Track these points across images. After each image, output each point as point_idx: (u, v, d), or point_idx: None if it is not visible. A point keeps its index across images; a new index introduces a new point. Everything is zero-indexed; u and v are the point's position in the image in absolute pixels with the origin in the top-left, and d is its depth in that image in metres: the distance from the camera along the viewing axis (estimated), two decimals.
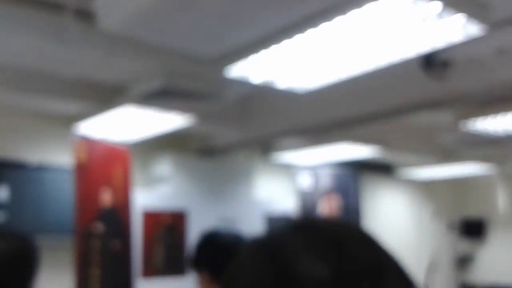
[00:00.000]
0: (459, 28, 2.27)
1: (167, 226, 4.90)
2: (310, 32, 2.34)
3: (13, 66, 3.56)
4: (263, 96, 4.23)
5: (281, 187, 6.18)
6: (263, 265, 0.59)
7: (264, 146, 5.72)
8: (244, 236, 1.86)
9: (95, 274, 3.64)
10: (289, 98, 3.86)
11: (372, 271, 0.58)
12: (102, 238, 3.77)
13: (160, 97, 3.44)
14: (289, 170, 6.10)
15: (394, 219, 7.07)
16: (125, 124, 4.15)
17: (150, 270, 4.67)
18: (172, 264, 4.84)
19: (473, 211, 8.17)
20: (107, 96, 3.94)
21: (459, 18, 2.18)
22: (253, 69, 2.84)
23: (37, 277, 1.31)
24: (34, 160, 4.47)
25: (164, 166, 5.10)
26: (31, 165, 4.42)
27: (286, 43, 2.48)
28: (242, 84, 3.30)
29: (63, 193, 4.34)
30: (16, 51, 3.25)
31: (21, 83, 3.71)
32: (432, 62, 3.04)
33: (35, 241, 1.35)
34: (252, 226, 5.19)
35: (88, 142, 3.91)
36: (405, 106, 3.63)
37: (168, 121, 4.06)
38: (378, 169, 7.04)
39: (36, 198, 4.38)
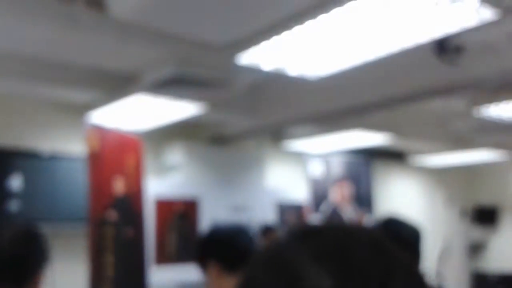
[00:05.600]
0: (472, 13, 2.24)
1: (179, 214, 4.93)
2: (322, 18, 2.33)
3: (25, 55, 3.58)
4: (274, 83, 4.22)
5: (292, 175, 6.18)
6: (271, 278, 0.60)
7: (275, 134, 5.71)
8: (246, 226, 1.90)
9: (109, 261, 3.68)
10: (300, 85, 3.85)
11: (379, 280, 0.57)
12: (116, 225, 3.80)
13: (172, 85, 3.45)
14: (300, 158, 6.09)
15: (406, 206, 7.04)
16: (137, 113, 4.17)
17: (163, 257, 4.71)
18: (185, 252, 4.88)
19: (485, 198, 8.12)
20: (119, 85, 3.96)
21: (472, 3, 2.15)
22: (264, 56, 2.84)
23: (48, 264, 1.32)
24: (47, 149, 4.50)
25: (175, 155, 5.12)
26: (44, 154, 4.46)
27: (297, 30, 2.46)
28: (254, 71, 3.29)
29: (76, 181, 4.37)
30: (28, 40, 3.27)
31: (34, 72, 3.73)
32: (445, 48, 3.01)
33: (40, 230, 1.35)
34: (263, 214, 5.21)
35: (101, 131, 3.92)
36: (418, 92, 3.60)
37: (180, 109, 4.07)
38: (390, 156, 7.02)
39: (49, 186, 4.42)
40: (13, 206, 4.27)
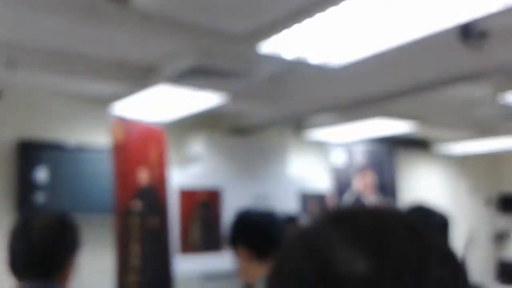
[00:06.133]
0: None
1: (202, 204, 4.97)
2: (344, 5, 2.31)
3: (49, 48, 3.63)
4: (296, 72, 4.20)
5: (315, 165, 6.17)
6: (303, 263, 0.59)
7: (297, 123, 5.70)
8: (276, 213, 1.89)
9: (135, 249, 3.73)
10: (321, 73, 3.83)
11: (414, 263, 0.56)
12: (141, 215, 3.86)
13: (193, 75, 3.46)
14: (322, 147, 6.07)
15: (430, 195, 6.97)
16: (159, 104, 4.20)
17: (188, 246, 4.76)
18: (209, 241, 4.92)
19: (510, 186, 7.99)
20: (141, 76, 3.99)
21: None
22: (285, 44, 2.83)
23: (79, 252, 1.34)
24: (72, 141, 4.58)
25: (197, 145, 5.15)
26: (69, 146, 4.53)
27: (318, 17, 2.45)
28: (274, 60, 3.29)
29: (101, 172, 4.44)
30: (51, 33, 3.32)
31: (58, 65, 3.78)
32: (469, 33, 2.96)
33: (73, 219, 1.38)
34: (285, 204, 5.21)
35: (124, 123, 3.97)
36: (442, 79, 3.55)
37: (201, 99, 4.09)
38: (414, 144, 6.94)
39: (75, 178, 4.49)
40: (40, 198, 4.36)
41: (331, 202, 5.76)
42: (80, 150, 4.56)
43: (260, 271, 1.64)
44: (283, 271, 0.61)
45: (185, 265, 4.59)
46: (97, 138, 4.61)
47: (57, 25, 3.12)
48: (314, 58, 3.11)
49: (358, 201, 5.97)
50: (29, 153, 4.37)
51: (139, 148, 4.01)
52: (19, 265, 1.22)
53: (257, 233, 1.74)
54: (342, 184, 5.94)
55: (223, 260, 4.94)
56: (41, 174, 4.39)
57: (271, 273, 0.63)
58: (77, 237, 1.33)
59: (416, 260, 0.57)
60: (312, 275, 0.57)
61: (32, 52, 3.61)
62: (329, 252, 0.58)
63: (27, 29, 3.22)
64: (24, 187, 4.32)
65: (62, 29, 3.22)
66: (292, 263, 0.60)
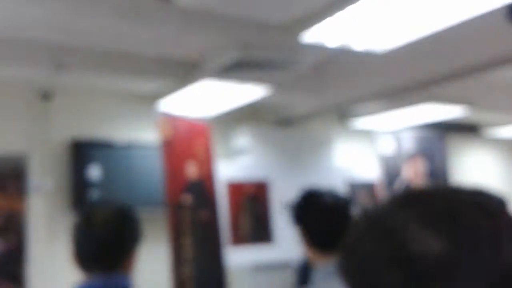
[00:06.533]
0: None
1: (250, 196, 5.01)
2: None
3: (95, 49, 3.73)
4: (339, 60, 4.16)
5: (362, 154, 6.09)
6: (378, 243, 0.60)
7: (342, 112, 5.64)
8: (345, 198, 1.66)
9: (188, 242, 3.81)
10: (366, 60, 3.77)
11: (489, 242, 0.56)
12: (191, 209, 3.93)
13: (236, 69, 3.48)
14: (369, 135, 5.99)
15: (482, 180, 6.77)
16: (204, 99, 4.25)
17: (238, 238, 4.82)
18: (258, 232, 4.96)
19: None
20: (185, 72, 4.05)
21: None
22: (328, 33, 2.80)
23: (140, 244, 1.38)
24: (121, 138, 4.70)
25: (243, 138, 5.19)
26: (119, 144, 4.66)
27: (362, 3, 2.41)
28: (318, 49, 3.26)
29: (150, 168, 4.54)
30: (97, 34, 3.41)
31: (104, 65, 3.89)
32: None
33: (133, 211, 1.42)
34: None
35: (171, 119, 4.05)
36: (489, 61, 3.43)
37: (245, 92, 4.11)
38: (464, 129, 6.75)
39: (126, 174, 4.61)
40: (94, 194, 4.51)
41: (380, 191, 5.68)
42: (129, 147, 4.68)
43: (323, 258, 1.48)
44: (357, 252, 0.62)
45: (237, 257, 4.64)
46: (145, 134, 4.72)
47: (102, 25, 3.20)
48: (358, 45, 3.07)
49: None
50: (82, 152, 4.52)
51: (186, 143, 4.08)
52: (85, 257, 1.27)
53: (318, 216, 1.55)
54: (391, 172, 5.85)
55: (274, 251, 4.97)
56: (94, 172, 4.53)
57: (344, 255, 0.64)
58: (138, 229, 1.37)
59: (489, 237, 0.57)
60: (387, 255, 0.58)
61: (79, 53, 3.72)
62: (404, 233, 0.58)
63: (74, 31, 3.32)
64: (79, 185, 4.48)
65: (107, 29, 3.30)
66: (366, 244, 0.61)
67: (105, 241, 1.27)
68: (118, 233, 1.30)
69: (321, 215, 1.53)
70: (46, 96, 4.41)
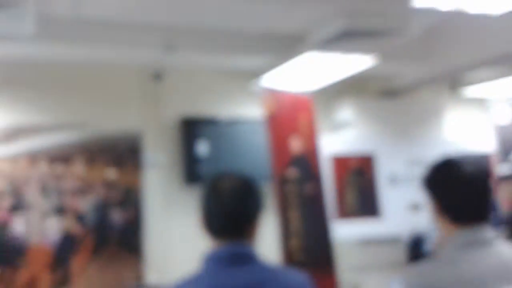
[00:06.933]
0: None
1: (355, 170, 4.94)
2: None
3: (202, 28, 3.83)
4: (451, 25, 3.92)
5: (475, 124, 5.75)
6: None
7: (453, 80, 5.34)
8: (483, 167, 1.46)
9: (295, 216, 3.85)
10: (480, 24, 3.52)
11: None
12: (296, 182, 3.95)
13: (341, 39, 3.41)
14: (482, 104, 5.64)
15: None
16: (306, 72, 4.22)
17: (344, 212, 4.79)
18: (364, 206, 4.90)
19: None
20: (288, 46, 4.04)
21: None
22: None
23: (263, 213, 1.41)
24: (227, 115, 4.82)
25: (347, 111, 5.11)
26: (224, 120, 4.79)
27: None
28: (428, 14, 3.10)
29: (255, 143, 4.63)
30: (203, 13, 3.49)
31: (210, 44, 3.99)
32: None
33: (256, 181, 1.44)
34: None
35: (274, 94, 4.07)
36: None
37: (350, 63, 4.02)
38: None
39: (232, 150, 4.74)
40: (203, 169, 4.69)
41: (495, 163, 5.35)
42: (234, 123, 4.79)
43: (452, 230, 1.36)
44: None
45: (343, 230, 4.62)
46: (249, 110, 4.80)
47: (209, 5, 3.27)
48: (473, 7, 2.87)
49: None
50: (191, 128, 4.70)
51: (289, 118, 4.09)
52: (214, 225, 1.32)
53: (455, 187, 1.39)
54: (508, 142, 5.47)
55: (381, 226, 4.89)
56: (203, 148, 4.71)
57: None
58: (261, 198, 1.40)
59: None
60: None
61: (188, 33, 3.84)
62: None
63: (182, 11, 3.42)
64: (189, 160, 4.68)
65: (213, 8, 3.37)
66: None
67: (233, 210, 1.32)
68: (244, 202, 1.34)
69: (461, 186, 1.38)
70: (157, 76, 4.63)
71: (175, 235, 4.70)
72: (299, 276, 1.39)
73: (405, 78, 5.02)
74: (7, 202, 4.37)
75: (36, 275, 4.43)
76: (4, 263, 4.06)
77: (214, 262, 1.31)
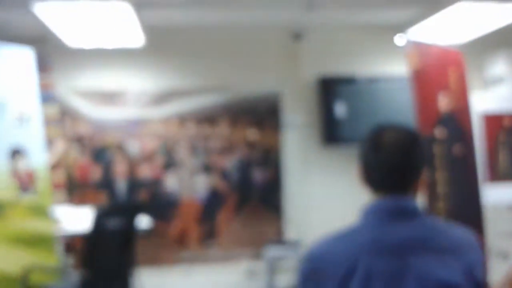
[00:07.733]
0: None
1: (509, 129, 4.58)
2: None
3: None
4: None
5: None
6: None
7: None
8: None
9: (442, 177, 3.68)
10: None
11: None
12: (444, 143, 3.75)
13: None
14: None
15: None
16: (456, 24, 3.95)
17: (495, 175, 4.48)
18: None
19: None
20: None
21: None
22: None
23: (426, 168, 1.35)
24: (368, 73, 4.69)
25: (500, 66, 4.72)
26: (362, 79, 4.67)
27: None
28: None
29: (396, 101, 4.46)
30: None
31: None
32: None
33: (419, 134, 1.39)
34: None
35: (421, 48, 3.85)
36: None
37: (505, 13, 3.68)
38: None
39: (370, 109, 4.62)
40: (342, 130, 4.64)
41: None
42: (375, 81, 4.66)
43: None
44: None
45: (494, 194, 4.32)
46: (391, 67, 4.62)
47: None
48: None
49: None
50: (330, 88, 4.67)
51: (437, 73, 3.85)
52: (375, 178, 1.29)
53: (380, 156, 1.31)
54: None
55: None
56: (341, 108, 4.65)
57: None
58: (424, 152, 1.34)
59: None
60: None
61: None
62: None
63: None
64: (328, 120, 4.66)
65: None
66: None
67: (399, 162, 1.27)
68: (409, 154, 1.28)
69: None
70: (297, 36, 4.63)
71: (314, 195, 4.75)
72: (467, 233, 1.31)
73: None
74: (160, 161, 4.74)
75: (186, 228, 4.78)
76: (157, 217, 4.42)
77: (376, 215, 1.27)
